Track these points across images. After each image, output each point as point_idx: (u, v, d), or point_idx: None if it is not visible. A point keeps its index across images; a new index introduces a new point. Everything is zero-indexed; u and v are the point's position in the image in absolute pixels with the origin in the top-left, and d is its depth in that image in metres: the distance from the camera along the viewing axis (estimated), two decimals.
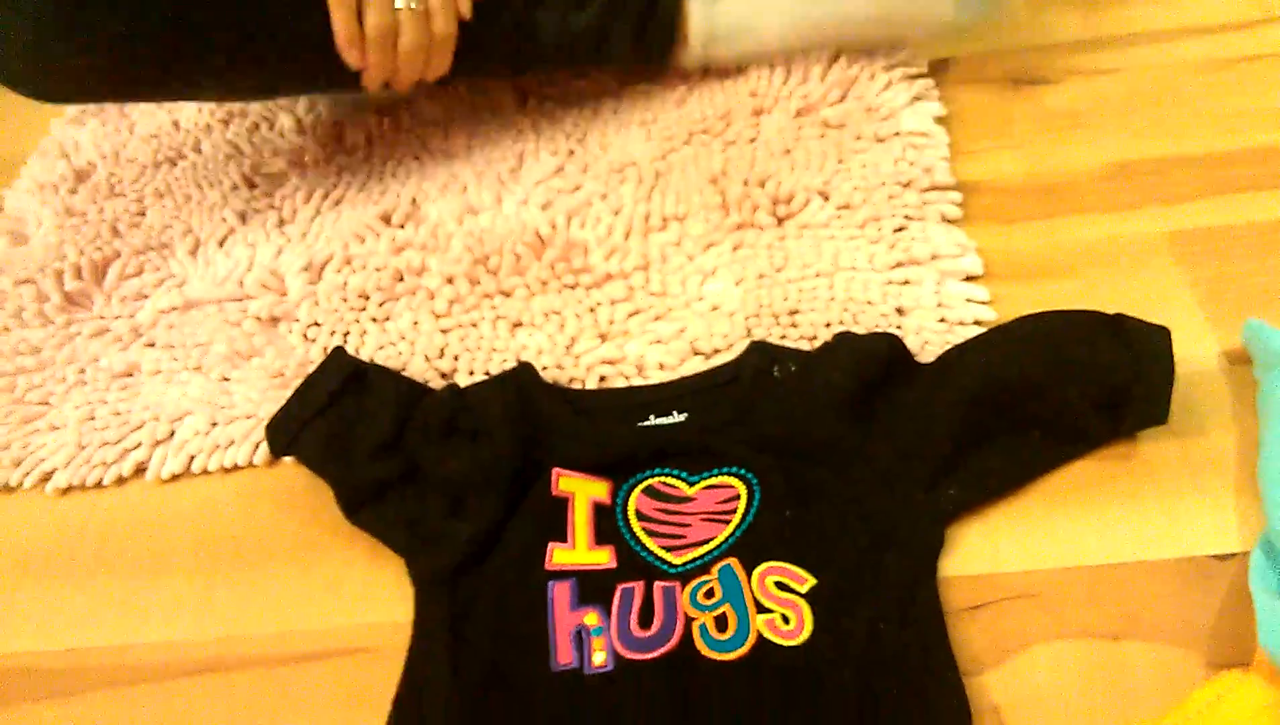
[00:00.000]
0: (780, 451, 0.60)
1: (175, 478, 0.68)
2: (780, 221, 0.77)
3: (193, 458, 0.68)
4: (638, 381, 0.68)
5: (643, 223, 0.78)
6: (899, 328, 0.67)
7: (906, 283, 0.70)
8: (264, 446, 0.67)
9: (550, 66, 0.88)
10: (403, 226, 0.82)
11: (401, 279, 0.77)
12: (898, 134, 0.82)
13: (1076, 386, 0.58)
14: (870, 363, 0.62)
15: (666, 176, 0.82)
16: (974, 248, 0.73)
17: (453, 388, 0.66)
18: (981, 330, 0.66)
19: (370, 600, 0.59)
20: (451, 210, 0.82)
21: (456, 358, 0.70)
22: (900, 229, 0.74)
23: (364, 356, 0.71)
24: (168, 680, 0.58)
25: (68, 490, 0.68)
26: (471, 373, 0.70)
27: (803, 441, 0.60)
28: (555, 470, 0.61)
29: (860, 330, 0.67)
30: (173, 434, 0.69)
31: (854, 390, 0.61)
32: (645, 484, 0.60)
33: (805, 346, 0.67)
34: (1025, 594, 0.55)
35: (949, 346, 0.64)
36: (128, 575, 0.63)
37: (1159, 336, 0.58)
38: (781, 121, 0.85)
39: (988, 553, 0.56)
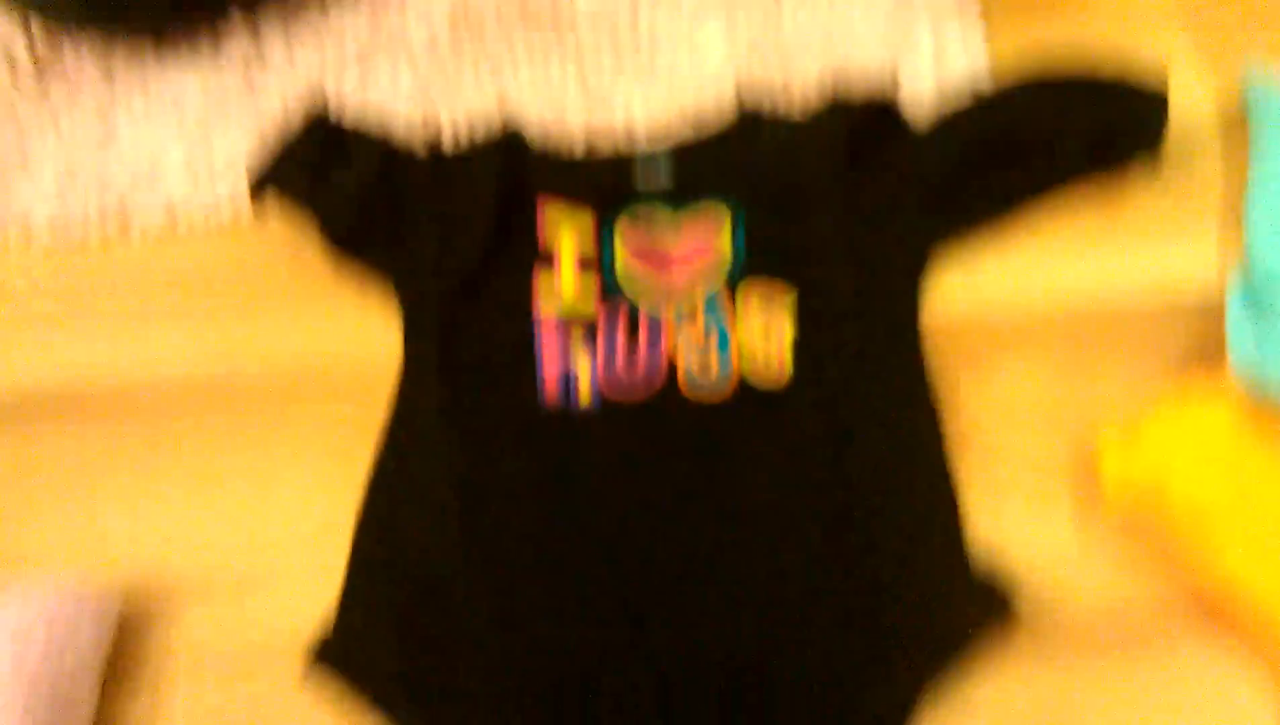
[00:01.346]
0: (770, 201, 0.60)
1: (159, 237, 0.67)
2: None
3: (176, 213, 0.67)
4: (625, 145, 0.66)
5: None
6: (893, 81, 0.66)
7: (905, 51, 0.68)
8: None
9: None
10: None
11: (378, 29, 0.74)
12: None
13: (1070, 118, 0.58)
14: (863, 115, 0.61)
15: None
16: (974, 12, 0.71)
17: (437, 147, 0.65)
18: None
19: (361, 341, 0.60)
20: None
21: (438, 114, 0.69)
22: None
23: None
24: (166, 417, 0.59)
25: (52, 250, 0.67)
26: (455, 132, 0.68)
27: (792, 191, 0.60)
28: (541, 197, 0.61)
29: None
30: (154, 188, 0.69)
31: (845, 140, 0.60)
32: (630, 223, 0.60)
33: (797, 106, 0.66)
34: (1004, 329, 0.56)
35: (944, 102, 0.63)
36: (120, 323, 0.63)
37: (1156, 77, 0.58)
38: None
39: (969, 290, 0.57)
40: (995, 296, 0.57)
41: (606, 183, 0.62)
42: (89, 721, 0.49)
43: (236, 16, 0.75)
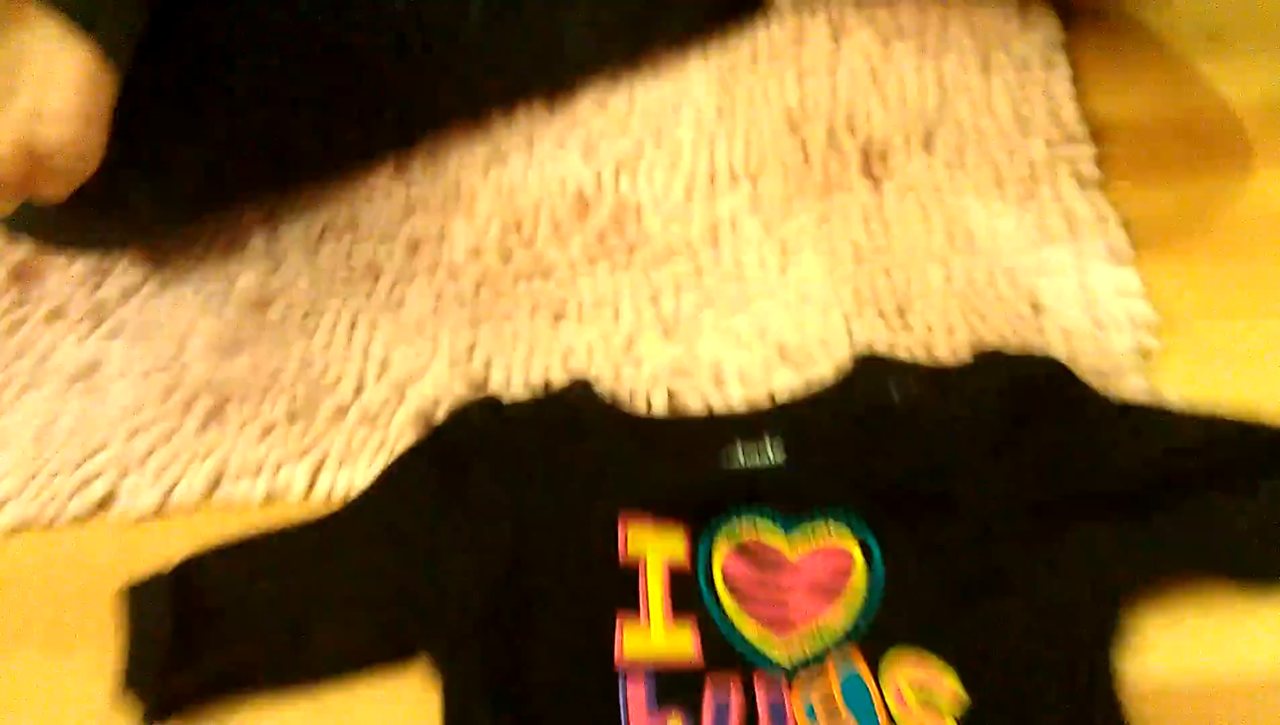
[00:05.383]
0: (905, 502, 0.48)
1: (152, 514, 0.55)
2: (875, 181, 0.63)
3: (173, 487, 0.55)
4: (715, 396, 0.55)
5: (707, 181, 0.64)
6: (1040, 331, 0.55)
7: (1042, 268, 0.57)
8: (261, 479, 0.55)
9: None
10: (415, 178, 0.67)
11: (416, 250, 0.64)
12: (1009, 62, 0.68)
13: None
14: (1024, 392, 0.50)
15: (730, 117, 0.68)
16: (1115, 218, 0.60)
17: (491, 403, 0.54)
18: (1141, 333, 0.54)
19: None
20: (474, 157, 0.67)
21: (489, 362, 0.58)
22: (1027, 194, 0.61)
23: (376, 357, 0.58)
24: None
25: (19, 529, 0.55)
26: (508, 381, 0.57)
27: (934, 490, 0.48)
28: (622, 519, 0.49)
29: (990, 332, 0.55)
30: (149, 454, 0.57)
31: (1002, 427, 0.49)
32: (732, 535, 0.48)
33: (920, 352, 0.55)
34: (1217, 711, 0.44)
35: (1101, 353, 0.52)
36: (97, 644, 0.50)
37: None
38: (867, 45, 0.70)
39: (1171, 653, 0.45)
40: (1207, 663, 0.45)
41: (701, 475, 0.51)
42: None
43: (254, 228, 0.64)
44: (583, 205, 0.64)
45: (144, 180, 0.59)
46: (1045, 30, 0.69)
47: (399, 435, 0.55)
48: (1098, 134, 0.65)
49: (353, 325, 0.61)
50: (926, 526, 0.47)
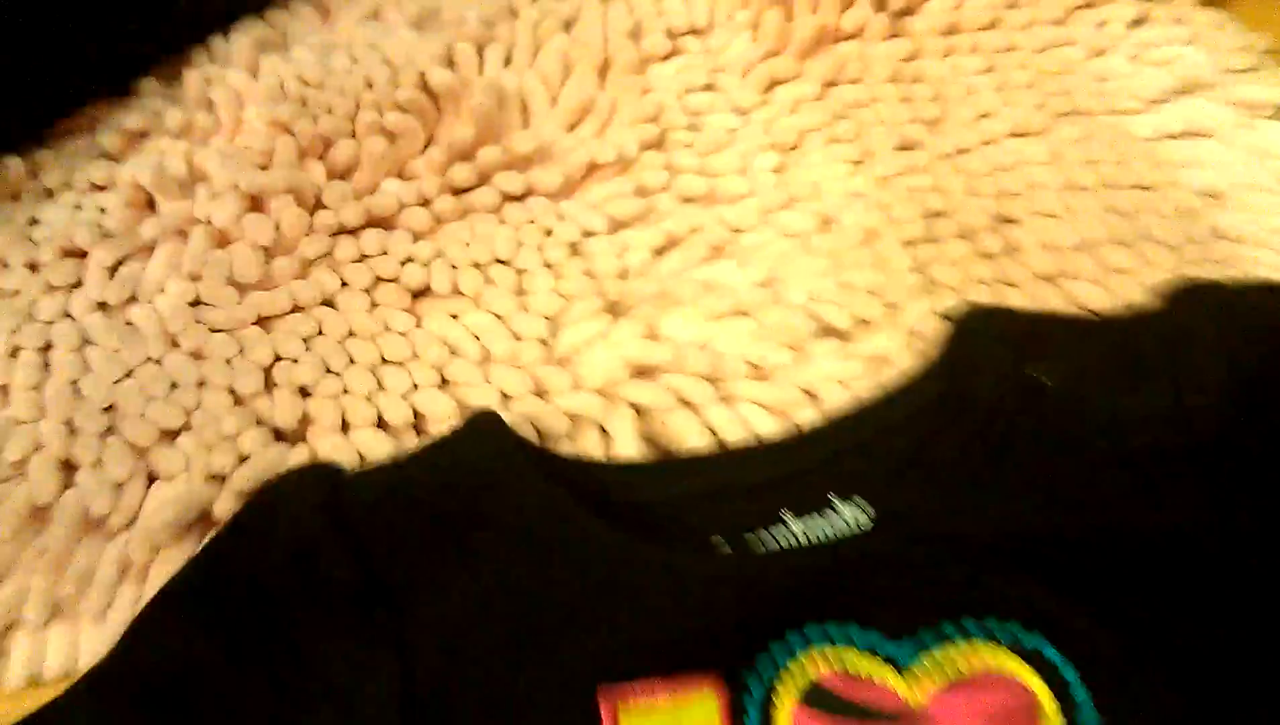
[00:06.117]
0: (1104, 574, 0.26)
1: None
2: (898, 19, 0.40)
3: None
4: (716, 413, 0.31)
5: (628, 44, 0.40)
6: (1219, 233, 0.33)
7: (1187, 134, 0.36)
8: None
9: None
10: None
11: (150, 206, 0.37)
12: None
13: None
14: (1256, 349, 0.29)
15: None
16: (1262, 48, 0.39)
17: (321, 478, 0.29)
18: None
19: None
20: (238, 39, 0.41)
21: (305, 393, 0.32)
22: (1138, 21, 0.39)
23: (87, 397, 0.32)
24: None
25: None
26: (337, 425, 0.32)
27: (1146, 550, 0.26)
28: (604, 693, 0.25)
29: (1148, 246, 0.33)
30: None
31: (1235, 414, 0.28)
32: (801, 676, 0.25)
33: (1038, 299, 0.33)
34: None
35: None
36: None
37: None
38: None
39: None
40: None
41: (730, 576, 0.27)
42: None
43: None
44: (432, 102, 0.38)
45: None
46: None
47: (143, 547, 0.29)
48: None
49: (45, 349, 0.34)
50: (1154, 613, 0.26)
